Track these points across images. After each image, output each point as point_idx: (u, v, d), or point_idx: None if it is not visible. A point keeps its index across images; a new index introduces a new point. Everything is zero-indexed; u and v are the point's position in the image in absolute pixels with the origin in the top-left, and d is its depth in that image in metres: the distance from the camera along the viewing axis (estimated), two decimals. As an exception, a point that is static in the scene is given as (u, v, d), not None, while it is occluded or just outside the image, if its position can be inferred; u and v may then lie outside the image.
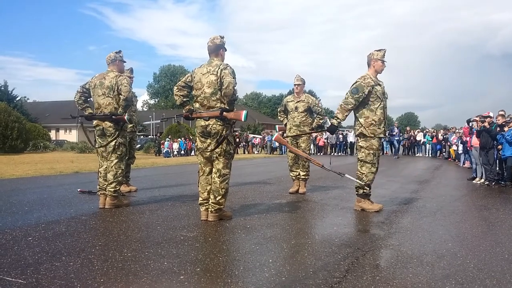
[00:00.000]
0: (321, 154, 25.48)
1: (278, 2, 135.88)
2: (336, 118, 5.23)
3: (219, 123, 4.38)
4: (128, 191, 6.64)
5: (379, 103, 5.18)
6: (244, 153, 27.50)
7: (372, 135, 5.16)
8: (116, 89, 5.24)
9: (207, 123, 4.41)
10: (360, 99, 5.11)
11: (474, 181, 9.37)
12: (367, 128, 5.16)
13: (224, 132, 4.40)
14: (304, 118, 6.75)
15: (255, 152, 27.89)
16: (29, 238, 3.77)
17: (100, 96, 5.28)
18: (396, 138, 21.21)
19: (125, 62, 5.74)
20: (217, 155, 4.44)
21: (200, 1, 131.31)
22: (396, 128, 21.70)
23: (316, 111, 6.83)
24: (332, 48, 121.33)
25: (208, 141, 4.46)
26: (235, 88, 4.35)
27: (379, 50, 5.28)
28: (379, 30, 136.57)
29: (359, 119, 5.24)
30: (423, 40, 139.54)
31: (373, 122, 5.15)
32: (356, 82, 5.17)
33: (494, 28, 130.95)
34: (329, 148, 25.97)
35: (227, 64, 4.45)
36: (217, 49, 4.56)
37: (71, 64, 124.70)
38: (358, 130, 5.26)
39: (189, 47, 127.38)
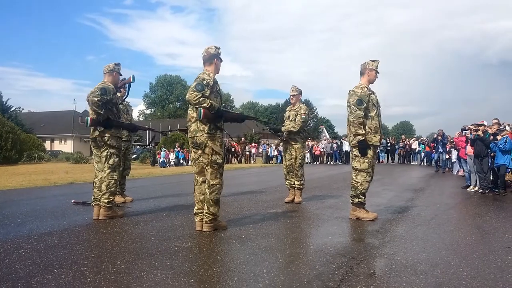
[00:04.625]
0: (317, 163, 25.53)
1: (276, 12, 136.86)
2: (360, 135, 5.11)
3: (201, 134, 4.41)
4: (123, 202, 6.61)
5: (375, 111, 5.23)
6: (240, 162, 27.47)
7: (369, 143, 5.18)
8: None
9: (192, 136, 4.46)
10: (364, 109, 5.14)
11: (468, 189, 9.41)
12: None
13: (208, 141, 4.41)
14: None
15: (252, 162, 27.87)
16: (21, 250, 3.74)
17: (90, 109, 5.36)
18: (440, 151, 16.21)
19: (122, 75, 5.67)
20: (205, 165, 4.46)
21: (198, 11, 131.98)
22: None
23: (297, 118, 6.71)
24: (331, 57, 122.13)
25: (199, 151, 4.48)
26: (194, 94, 4.32)
27: (374, 61, 5.36)
28: (378, 38, 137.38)
29: None
30: (422, 48, 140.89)
31: (369, 130, 5.18)
32: (355, 92, 5.20)
33: (492, 36, 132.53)
34: (325, 157, 26.05)
35: (200, 75, 4.50)
36: (210, 59, 4.60)
37: (68, 74, 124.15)
38: (352, 140, 5.25)
39: (188, 57, 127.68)
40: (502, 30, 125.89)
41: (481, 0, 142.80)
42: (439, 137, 16.46)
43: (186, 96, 4.42)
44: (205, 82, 4.39)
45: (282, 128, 6.83)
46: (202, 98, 4.31)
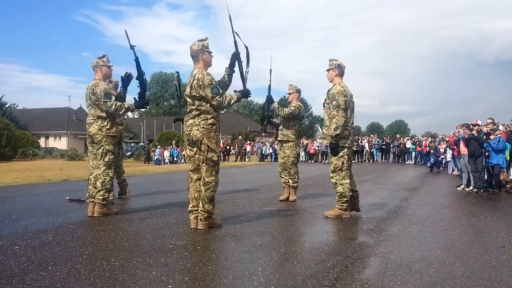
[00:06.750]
0: (312, 161, 25.55)
1: (274, 10, 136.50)
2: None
3: (197, 128, 4.38)
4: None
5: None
6: (236, 160, 27.46)
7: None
8: (92, 97, 5.22)
9: (188, 131, 4.43)
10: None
11: (458, 188, 9.44)
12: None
13: (204, 139, 4.39)
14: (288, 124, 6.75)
15: (247, 160, 27.86)
16: (15, 247, 3.71)
17: (88, 107, 5.36)
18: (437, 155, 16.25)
19: (111, 66, 5.54)
20: (200, 162, 4.44)
21: (195, 8, 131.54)
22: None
23: (284, 108, 6.68)
24: (328, 56, 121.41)
25: (195, 149, 4.46)
26: (220, 99, 4.36)
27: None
28: (375, 37, 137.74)
29: None
30: (419, 48, 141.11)
31: None
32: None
33: (489, 36, 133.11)
34: (319, 155, 26.07)
35: (198, 73, 4.42)
36: (196, 55, 4.52)
37: (64, 71, 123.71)
38: None
39: (184, 54, 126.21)
40: (499, 30, 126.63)
41: (478, 0, 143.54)
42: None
43: (215, 104, 4.38)
44: (214, 82, 4.40)
45: (275, 104, 6.62)
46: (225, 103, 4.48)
